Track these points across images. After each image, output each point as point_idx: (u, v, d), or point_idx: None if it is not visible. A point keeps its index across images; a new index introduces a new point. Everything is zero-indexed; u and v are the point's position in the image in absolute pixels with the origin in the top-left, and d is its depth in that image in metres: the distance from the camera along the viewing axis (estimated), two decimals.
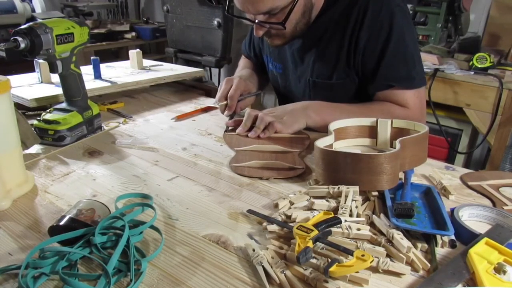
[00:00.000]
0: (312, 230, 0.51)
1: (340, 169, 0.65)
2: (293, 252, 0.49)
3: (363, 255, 0.46)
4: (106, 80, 1.12)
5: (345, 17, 0.90)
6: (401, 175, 0.72)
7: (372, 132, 0.81)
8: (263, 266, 0.49)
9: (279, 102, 1.22)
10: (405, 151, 0.67)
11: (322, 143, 0.72)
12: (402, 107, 0.90)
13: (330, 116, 0.85)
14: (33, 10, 2.52)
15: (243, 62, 1.27)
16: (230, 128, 0.94)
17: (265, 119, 0.87)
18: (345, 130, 0.82)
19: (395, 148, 0.66)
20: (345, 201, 0.60)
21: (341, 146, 0.81)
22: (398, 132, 0.79)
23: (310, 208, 0.62)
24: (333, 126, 0.79)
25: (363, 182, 0.64)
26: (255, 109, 0.92)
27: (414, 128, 0.77)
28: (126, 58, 1.34)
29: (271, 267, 0.49)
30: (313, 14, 0.92)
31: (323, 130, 0.84)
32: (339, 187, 0.63)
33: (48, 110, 0.86)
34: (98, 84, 1.08)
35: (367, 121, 0.81)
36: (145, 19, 3.35)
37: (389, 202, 0.59)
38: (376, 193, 0.64)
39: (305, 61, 1.00)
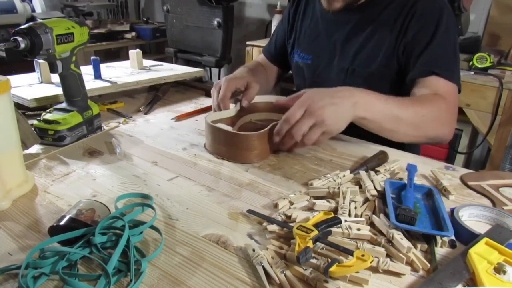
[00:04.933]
0: (312, 230, 0.51)
1: (220, 142, 0.79)
2: (293, 252, 0.49)
3: (363, 255, 0.46)
4: (106, 80, 1.12)
5: (400, 2, 0.92)
6: (404, 176, 0.72)
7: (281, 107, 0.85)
8: (263, 266, 0.49)
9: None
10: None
11: (214, 116, 0.84)
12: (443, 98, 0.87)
13: (378, 115, 0.77)
14: (33, 10, 2.52)
15: (252, 62, 1.24)
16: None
17: (303, 126, 0.72)
18: (255, 105, 0.93)
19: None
20: (344, 201, 0.60)
21: (253, 118, 0.94)
22: None
23: (310, 208, 0.62)
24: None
25: (235, 155, 0.77)
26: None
27: None
28: (126, 58, 1.34)
29: (271, 267, 0.49)
30: None
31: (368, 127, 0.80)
32: (339, 187, 0.64)
33: (48, 110, 0.86)
34: (98, 84, 1.08)
35: (273, 98, 0.93)
36: (145, 19, 3.35)
37: (390, 201, 0.59)
38: (375, 193, 0.64)
39: (346, 49, 1.00)
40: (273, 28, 2.35)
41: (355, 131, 0.93)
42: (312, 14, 1.08)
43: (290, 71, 1.26)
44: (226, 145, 0.78)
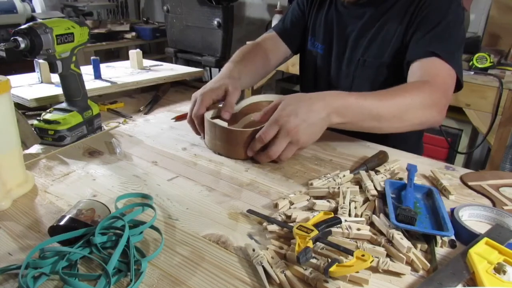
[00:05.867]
0: (312, 230, 0.51)
1: (216, 137, 0.80)
2: (293, 252, 0.49)
3: (363, 255, 0.46)
4: (106, 80, 1.12)
5: None
6: (404, 176, 0.72)
7: None
8: (263, 266, 0.49)
9: (303, 84, 1.22)
10: None
11: (214, 112, 0.86)
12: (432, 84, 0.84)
13: (356, 117, 0.77)
14: (33, 10, 2.52)
15: (245, 48, 1.13)
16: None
17: (280, 143, 0.74)
18: (258, 104, 0.94)
19: None
20: (344, 201, 0.60)
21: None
22: None
23: (310, 208, 0.62)
24: (245, 102, 0.92)
25: (230, 150, 0.79)
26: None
27: None
28: (126, 58, 1.34)
29: (271, 267, 0.49)
30: None
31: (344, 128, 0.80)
32: (339, 187, 0.64)
33: (48, 110, 0.86)
34: (98, 84, 1.08)
35: (275, 97, 0.89)
36: (145, 19, 3.35)
37: (390, 201, 0.59)
38: (375, 193, 0.64)
39: (359, 42, 1.01)
40: None
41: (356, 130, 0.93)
42: (328, 5, 1.09)
43: (298, 67, 1.25)
44: (221, 141, 0.79)
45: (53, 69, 0.81)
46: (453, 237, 0.55)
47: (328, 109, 0.74)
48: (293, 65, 2.04)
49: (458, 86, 0.89)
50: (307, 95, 0.76)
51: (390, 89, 0.82)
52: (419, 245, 0.53)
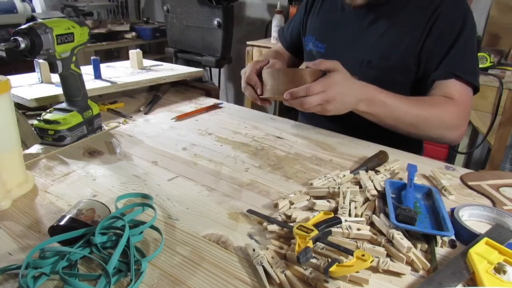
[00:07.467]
0: (312, 230, 0.51)
1: (280, 81, 0.82)
2: (293, 252, 0.49)
3: (363, 255, 0.46)
4: (106, 80, 1.12)
5: (423, 2, 0.93)
6: (404, 176, 0.72)
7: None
8: (263, 266, 0.49)
9: None
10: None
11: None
12: (454, 104, 0.89)
13: (379, 112, 0.85)
14: (33, 10, 2.52)
15: (268, 52, 1.29)
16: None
17: (312, 102, 0.79)
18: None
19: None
20: (344, 201, 0.60)
21: None
22: None
23: (310, 208, 0.62)
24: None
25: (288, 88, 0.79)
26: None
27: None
28: (126, 58, 1.34)
29: (271, 267, 0.49)
30: None
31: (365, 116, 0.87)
32: (339, 187, 0.64)
33: (48, 110, 0.86)
34: (98, 84, 1.08)
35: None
36: (145, 19, 3.35)
37: (390, 201, 0.59)
38: (376, 193, 0.64)
39: (363, 41, 1.00)
40: (273, 28, 2.35)
41: (356, 130, 0.93)
42: (330, 4, 1.09)
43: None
44: (284, 83, 0.81)
45: (53, 69, 0.81)
46: (453, 237, 0.55)
47: (361, 97, 0.83)
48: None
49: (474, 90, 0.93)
50: (353, 79, 0.84)
51: (419, 98, 0.89)
52: (419, 245, 0.53)
